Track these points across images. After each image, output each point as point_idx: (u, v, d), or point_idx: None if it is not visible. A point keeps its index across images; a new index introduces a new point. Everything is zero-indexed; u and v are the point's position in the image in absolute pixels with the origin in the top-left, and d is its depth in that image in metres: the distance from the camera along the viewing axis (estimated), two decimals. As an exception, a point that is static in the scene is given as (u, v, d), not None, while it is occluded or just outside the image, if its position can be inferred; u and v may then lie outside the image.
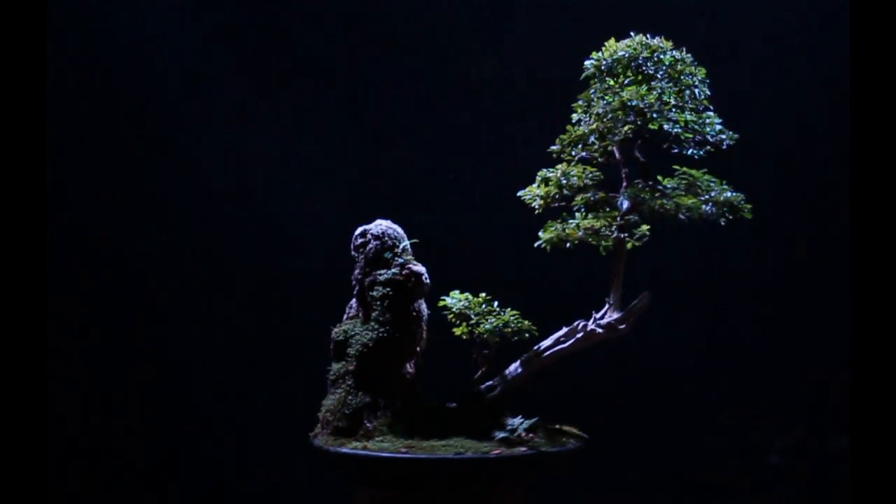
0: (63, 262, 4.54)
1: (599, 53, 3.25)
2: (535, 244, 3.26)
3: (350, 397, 3.29)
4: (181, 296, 4.70)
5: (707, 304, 4.69)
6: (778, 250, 4.65)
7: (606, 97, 3.18)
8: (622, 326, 3.25)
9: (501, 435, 3.15)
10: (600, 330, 3.26)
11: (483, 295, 3.35)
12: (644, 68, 3.21)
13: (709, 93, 3.23)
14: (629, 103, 3.12)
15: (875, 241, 3.14)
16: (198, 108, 4.68)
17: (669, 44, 3.23)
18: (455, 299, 3.34)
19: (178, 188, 4.69)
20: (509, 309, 3.34)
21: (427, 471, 3.02)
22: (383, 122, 4.73)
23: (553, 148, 3.31)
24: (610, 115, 3.13)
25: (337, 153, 4.71)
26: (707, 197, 3.19)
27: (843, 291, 4.35)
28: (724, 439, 4.68)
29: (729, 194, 3.23)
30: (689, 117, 3.16)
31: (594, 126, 3.20)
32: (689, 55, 3.24)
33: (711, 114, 3.22)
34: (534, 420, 3.24)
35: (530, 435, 3.18)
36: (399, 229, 3.43)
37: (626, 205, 3.20)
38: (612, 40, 3.24)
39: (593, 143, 3.22)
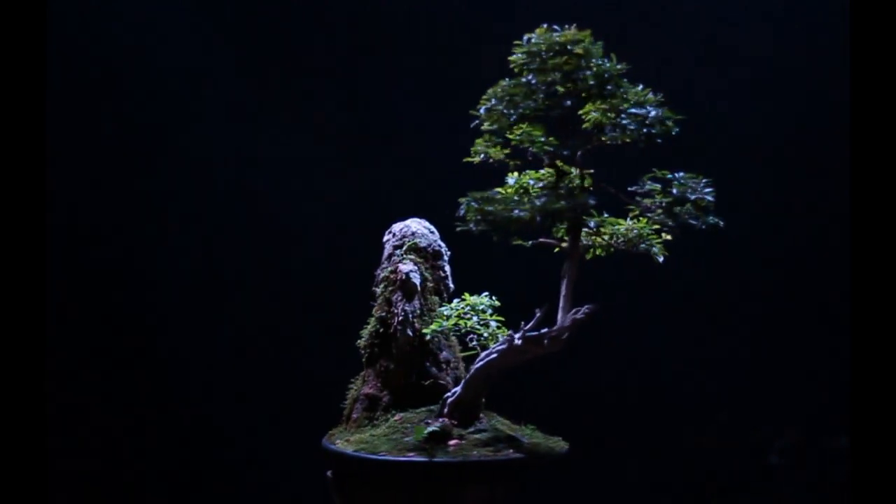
0: (63, 262, 4.53)
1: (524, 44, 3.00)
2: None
3: (353, 391, 3.38)
4: (181, 296, 4.69)
5: (705, 304, 4.67)
6: (777, 249, 4.65)
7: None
8: (545, 342, 2.96)
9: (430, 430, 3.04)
10: (519, 342, 2.99)
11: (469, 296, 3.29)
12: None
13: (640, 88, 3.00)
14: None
15: (875, 241, 3.14)
16: (199, 107, 4.67)
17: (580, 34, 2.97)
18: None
19: (179, 188, 4.68)
20: (488, 312, 3.22)
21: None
22: (384, 122, 4.73)
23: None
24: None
25: (338, 153, 4.71)
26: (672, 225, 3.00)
27: (843, 291, 4.36)
28: (722, 440, 4.68)
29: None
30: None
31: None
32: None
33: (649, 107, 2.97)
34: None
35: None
36: (424, 228, 3.40)
37: (591, 224, 3.05)
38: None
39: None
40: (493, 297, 3.27)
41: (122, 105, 4.66)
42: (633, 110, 2.93)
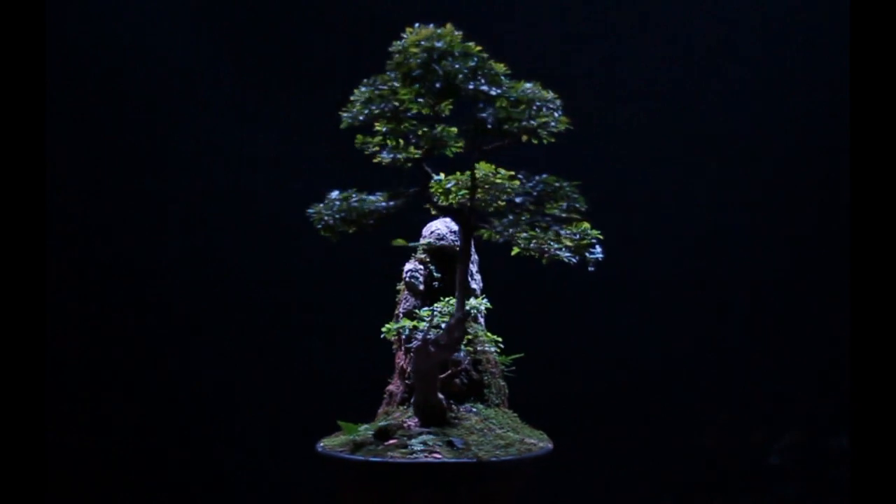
0: (63, 263, 4.53)
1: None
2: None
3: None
4: (178, 298, 4.68)
5: (703, 302, 4.66)
6: (776, 246, 4.63)
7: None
8: (442, 343, 2.86)
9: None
10: (418, 344, 2.92)
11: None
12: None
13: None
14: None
15: (875, 240, 3.13)
16: (198, 107, 4.65)
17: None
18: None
19: (178, 188, 4.67)
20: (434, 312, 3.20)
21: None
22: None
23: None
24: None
25: (337, 153, 4.69)
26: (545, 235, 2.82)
27: (843, 289, 4.34)
28: (722, 440, 4.67)
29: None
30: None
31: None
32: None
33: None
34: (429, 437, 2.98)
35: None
36: (446, 228, 3.38)
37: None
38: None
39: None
40: (486, 300, 3.30)
41: (122, 105, 4.63)
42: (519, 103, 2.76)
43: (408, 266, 3.36)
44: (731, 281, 4.67)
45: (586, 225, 2.86)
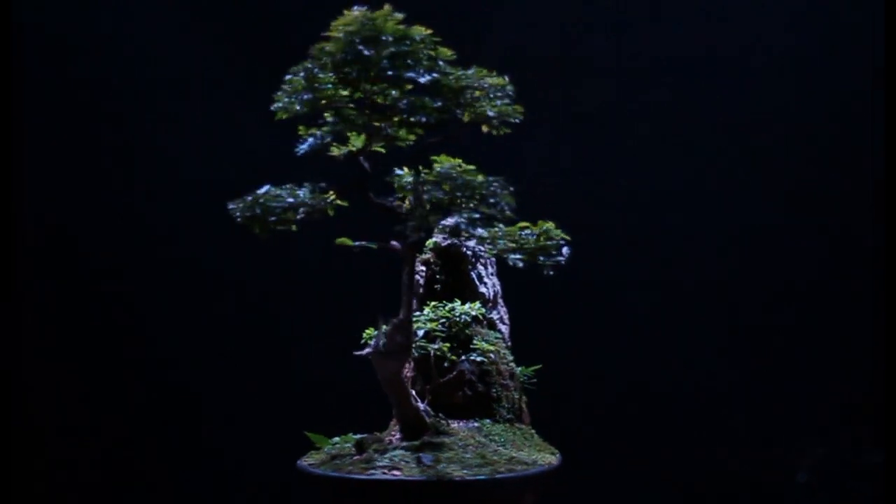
0: (50, 265, 4.49)
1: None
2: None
3: None
4: (176, 298, 4.58)
5: (729, 312, 4.47)
6: (807, 253, 4.43)
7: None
8: (380, 358, 2.70)
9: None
10: (367, 354, 2.73)
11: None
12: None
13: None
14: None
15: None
16: (184, 105, 4.55)
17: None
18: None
19: (171, 188, 4.56)
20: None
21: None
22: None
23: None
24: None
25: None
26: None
27: (878, 298, 4.15)
28: (749, 455, 4.47)
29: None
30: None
31: None
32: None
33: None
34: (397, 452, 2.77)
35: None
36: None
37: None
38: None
39: None
40: (471, 307, 3.08)
41: (105, 103, 4.54)
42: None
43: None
44: (756, 287, 4.47)
45: (549, 225, 2.72)
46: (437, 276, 3.19)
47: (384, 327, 2.68)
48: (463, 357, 3.02)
